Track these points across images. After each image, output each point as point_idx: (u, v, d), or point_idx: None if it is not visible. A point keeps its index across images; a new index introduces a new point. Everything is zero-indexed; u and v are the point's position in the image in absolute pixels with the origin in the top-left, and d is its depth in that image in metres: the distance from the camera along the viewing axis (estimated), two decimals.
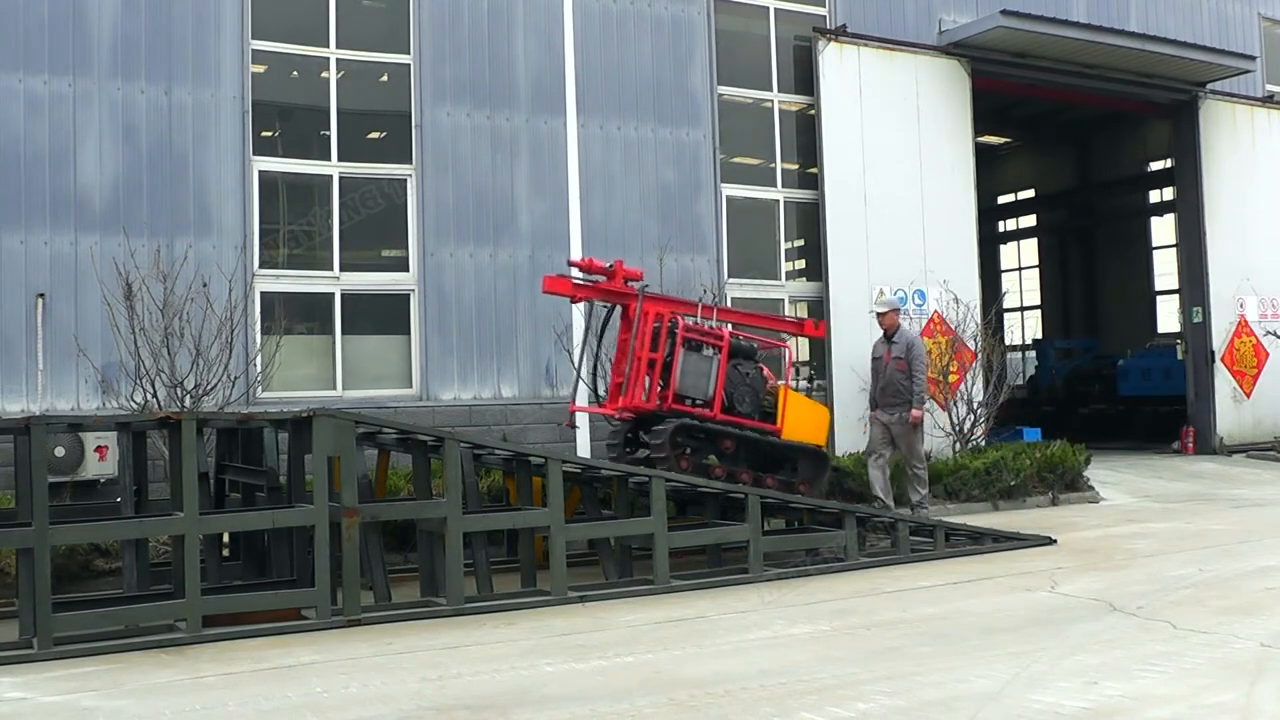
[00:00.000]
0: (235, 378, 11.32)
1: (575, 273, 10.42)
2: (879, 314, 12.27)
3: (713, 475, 9.76)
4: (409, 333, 13.15)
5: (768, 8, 15.77)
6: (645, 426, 10.17)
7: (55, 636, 6.97)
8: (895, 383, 12.00)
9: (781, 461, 10.51)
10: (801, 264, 16.27)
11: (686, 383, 9.96)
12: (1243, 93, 20.22)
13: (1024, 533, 10.87)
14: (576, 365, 10.48)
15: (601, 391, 10.57)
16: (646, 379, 9.97)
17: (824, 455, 10.74)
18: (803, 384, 11.86)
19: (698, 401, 10.05)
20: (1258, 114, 20.46)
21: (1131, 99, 20.19)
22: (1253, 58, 19.41)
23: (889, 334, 12.14)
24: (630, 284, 10.17)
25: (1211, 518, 12.62)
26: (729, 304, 14.81)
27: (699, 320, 10.29)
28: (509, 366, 13.40)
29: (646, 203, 14.46)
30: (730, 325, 10.59)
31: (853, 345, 15.39)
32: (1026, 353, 30.76)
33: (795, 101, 15.91)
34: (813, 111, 15.71)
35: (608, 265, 10.12)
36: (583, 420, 12.22)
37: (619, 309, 10.34)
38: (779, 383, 10.66)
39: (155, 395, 10.67)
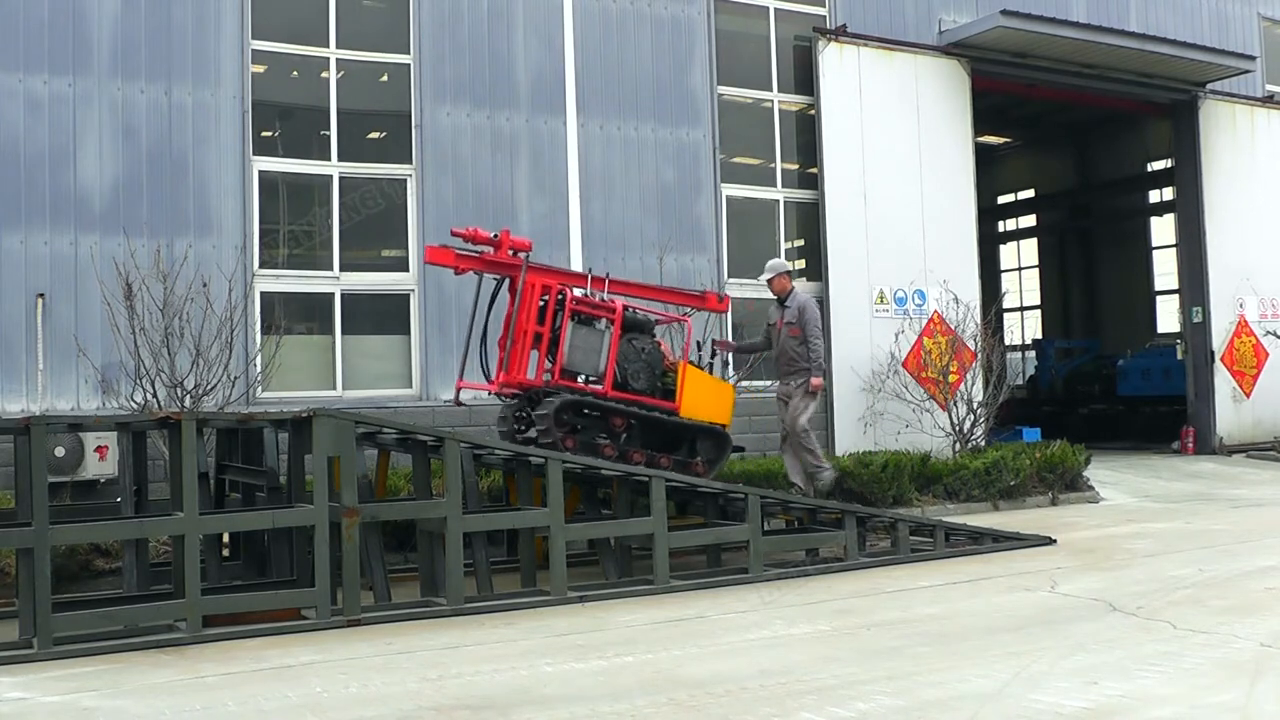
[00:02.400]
0: (235, 378, 11.32)
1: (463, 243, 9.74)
2: (767, 280, 11.49)
3: (602, 455, 9.27)
4: (409, 333, 13.15)
5: (768, 8, 15.77)
6: (536, 405, 9.54)
7: (55, 636, 6.96)
8: (789, 350, 11.30)
9: (680, 441, 9.99)
10: (801, 264, 16.26)
11: (575, 358, 9.45)
12: (1242, 93, 20.23)
13: (1024, 533, 10.87)
14: (465, 340, 9.76)
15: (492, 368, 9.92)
16: (534, 355, 9.47)
17: (725, 435, 10.12)
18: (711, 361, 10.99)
19: (591, 379, 9.56)
20: (1257, 114, 20.47)
21: (1131, 99, 20.20)
22: (1252, 58, 19.42)
23: (781, 299, 11.47)
24: (519, 255, 9.55)
25: (1211, 518, 12.62)
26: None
27: (589, 292, 9.70)
28: None
29: (646, 202, 14.47)
30: (624, 298, 9.99)
31: (852, 345, 15.41)
32: (1026, 353, 30.76)
33: (795, 101, 15.91)
34: (813, 111, 15.72)
35: (493, 235, 9.49)
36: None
37: (509, 282, 9.65)
38: (678, 358, 10.01)
39: (155, 395, 10.67)
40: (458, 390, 10.13)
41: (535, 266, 9.56)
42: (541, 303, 9.41)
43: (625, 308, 9.79)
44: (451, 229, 9.84)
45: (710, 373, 10.43)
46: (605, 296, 9.80)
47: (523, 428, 9.74)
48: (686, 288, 11.09)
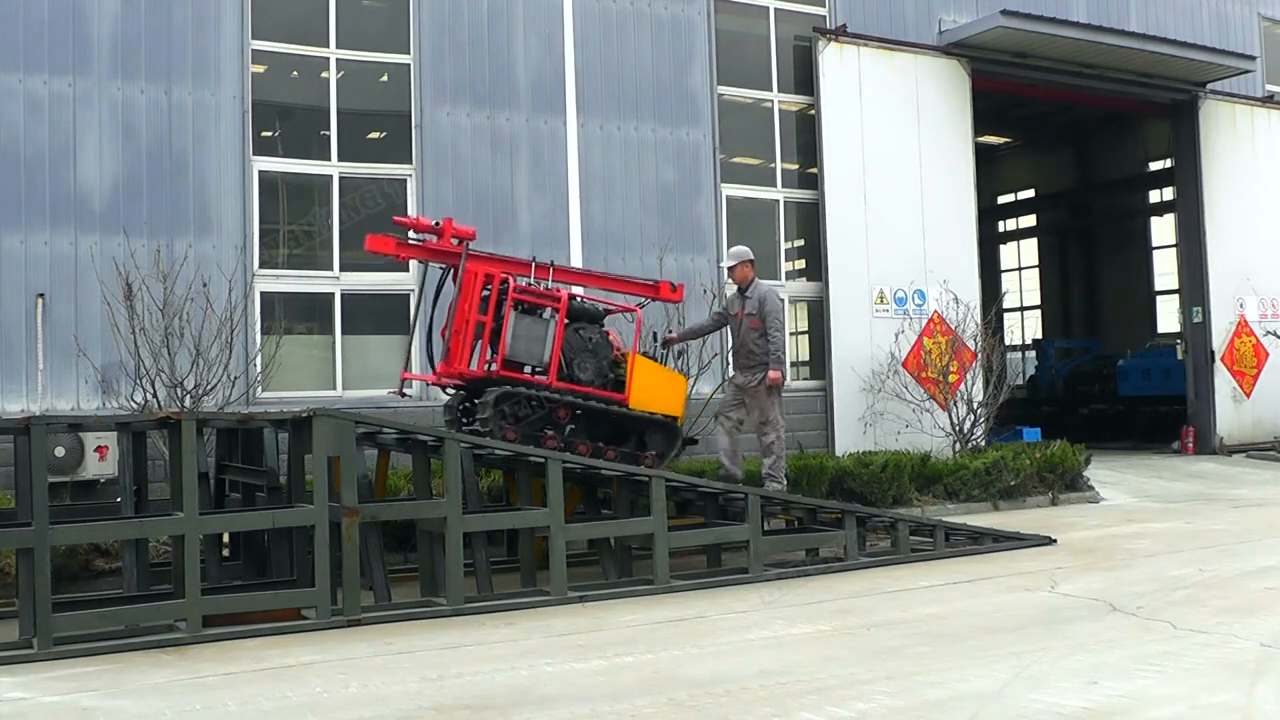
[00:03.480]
0: (235, 378, 11.32)
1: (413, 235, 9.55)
2: (729, 268, 11.00)
3: (545, 447, 9.01)
4: (409, 333, 13.13)
5: (767, 8, 15.77)
6: (479, 395, 9.33)
7: (55, 636, 6.97)
8: (748, 343, 10.68)
9: (630, 433, 9.76)
10: (801, 264, 16.27)
11: (518, 347, 9.17)
12: (1242, 93, 20.24)
13: (1024, 533, 10.87)
14: (410, 331, 9.49)
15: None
16: (476, 344, 9.22)
17: (675, 427, 9.89)
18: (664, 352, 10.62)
19: (538, 370, 9.33)
20: (1257, 114, 20.47)
21: (1131, 99, 20.20)
22: (1252, 58, 19.42)
23: (742, 288, 10.90)
24: (464, 244, 9.29)
25: (1211, 518, 12.62)
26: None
27: (533, 280, 9.48)
28: None
29: (646, 203, 14.47)
30: (572, 287, 9.74)
31: (852, 345, 15.41)
32: (1026, 353, 30.77)
33: (795, 101, 15.91)
34: (813, 111, 15.72)
35: (435, 223, 9.25)
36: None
37: (454, 271, 9.38)
38: (626, 349, 9.71)
39: (155, 395, 10.67)
40: (402, 382, 9.89)
41: (477, 255, 9.32)
42: (486, 292, 9.18)
43: (572, 297, 9.57)
44: (394, 217, 9.69)
45: (663, 365, 10.18)
46: (550, 285, 9.53)
47: (467, 420, 9.49)
48: (640, 277, 10.68)
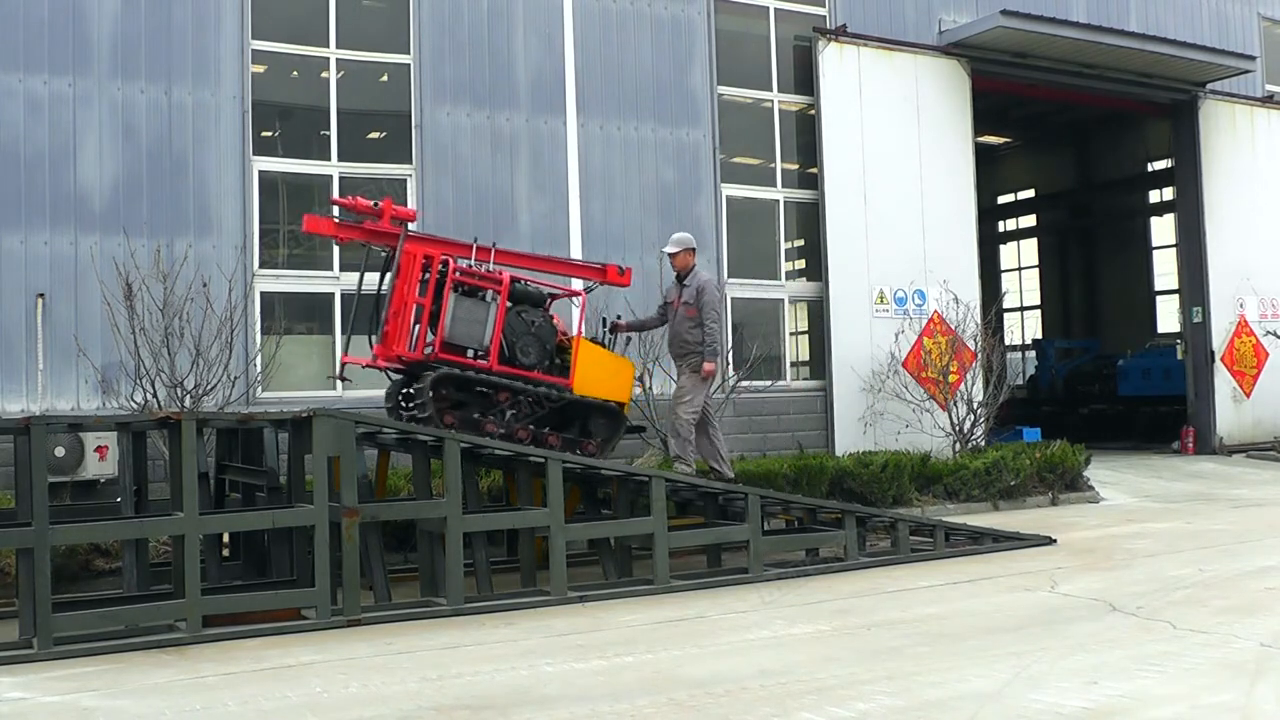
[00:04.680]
0: (235, 378, 11.32)
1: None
2: (670, 254, 10.70)
3: (484, 432, 8.89)
4: (351, 317, 13.01)
5: (767, 8, 15.77)
6: (420, 380, 9.09)
7: (55, 636, 6.96)
8: (682, 332, 10.47)
9: (574, 419, 9.55)
10: (801, 264, 16.27)
11: (457, 330, 8.93)
12: (1242, 93, 20.24)
13: (1024, 533, 10.87)
14: (351, 315, 9.20)
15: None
16: (415, 327, 8.98)
17: (619, 413, 9.65)
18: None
19: (479, 354, 9.09)
20: (1257, 114, 20.48)
21: (1131, 99, 20.21)
22: (1252, 58, 19.42)
23: (681, 276, 10.65)
24: (403, 225, 9.07)
25: (1211, 518, 12.62)
26: (728, 304, 14.82)
27: (474, 263, 9.20)
28: None
29: (646, 202, 14.47)
30: (515, 269, 9.50)
31: (852, 345, 15.41)
32: (1026, 353, 30.77)
33: (795, 101, 15.91)
34: (812, 111, 15.72)
35: (374, 203, 9.00)
36: None
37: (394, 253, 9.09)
38: (572, 334, 9.50)
39: (155, 395, 10.67)
40: (341, 366, 9.63)
41: (416, 236, 9.15)
42: (427, 275, 8.96)
43: (515, 279, 9.32)
44: (331, 197, 9.53)
45: (612, 350, 9.99)
46: (491, 267, 9.30)
47: (407, 405, 9.23)
48: (587, 261, 10.43)
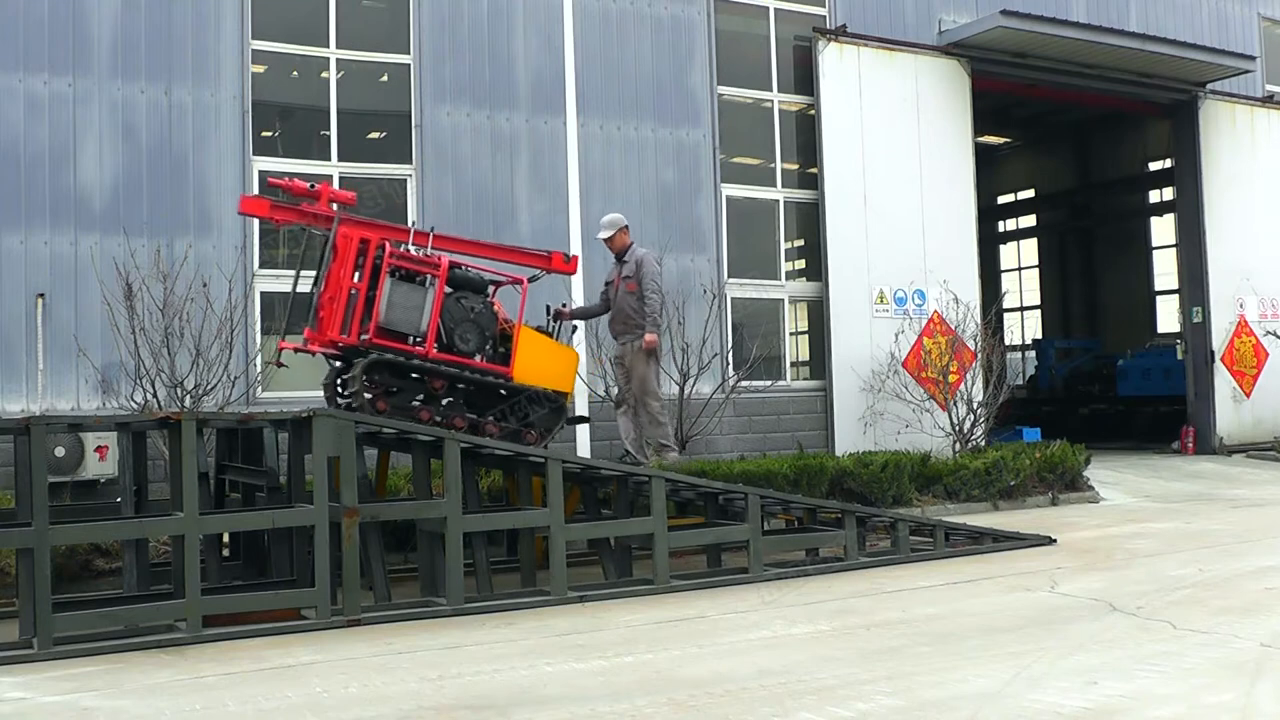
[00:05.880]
0: (235, 378, 11.33)
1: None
2: (606, 238, 10.76)
3: (418, 419, 8.76)
4: (289, 302, 12.99)
5: (767, 8, 15.77)
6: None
7: (55, 636, 6.96)
8: (625, 308, 10.55)
9: (514, 408, 9.35)
10: (801, 264, 16.28)
11: (392, 315, 8.73)
12: (1242, 93, 20.24)
13: (1024, 532, 10.87)
14: (289, 301, 9.07)
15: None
16: (350, 313, 8.76)
17: (560, 402, 9.47)
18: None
19: (417, 340, 8.91)
20: (1257, 114, 20.47)
21: (1131, 99, 20.21)
22: (1252, 58, 19.43)
23: (619, 255, 10.77)
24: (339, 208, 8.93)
25: (1211, 517, 12.62)
26: (729, 303, 14.84)
27: (410, 246, 9.01)
28: None
29: (646, 203, 14.47)
30: (454, 255, 9.33)
31: (852, 345, 15.42)
32: (1026, 353, 30.79)
33: (795, 101, 15.91)
34: (812, 111, 15.73)
35: (311, 185, 8.88)
36: None
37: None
38: (510, 320, 9.34)
39: (155, 395, 10.67)
40: (278, 351, 9.42)
41: (352, 219, 8.95)
42: (364, 259, 8.77)
43: (454, 265, 9.14)
44: (268, 179, 9.43)
45: (556, 339, 9.85)
46: (429, 252, 9.09)
47: (343, 391, 9.12)
48: (532, 248, 10.28)
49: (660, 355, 11.04)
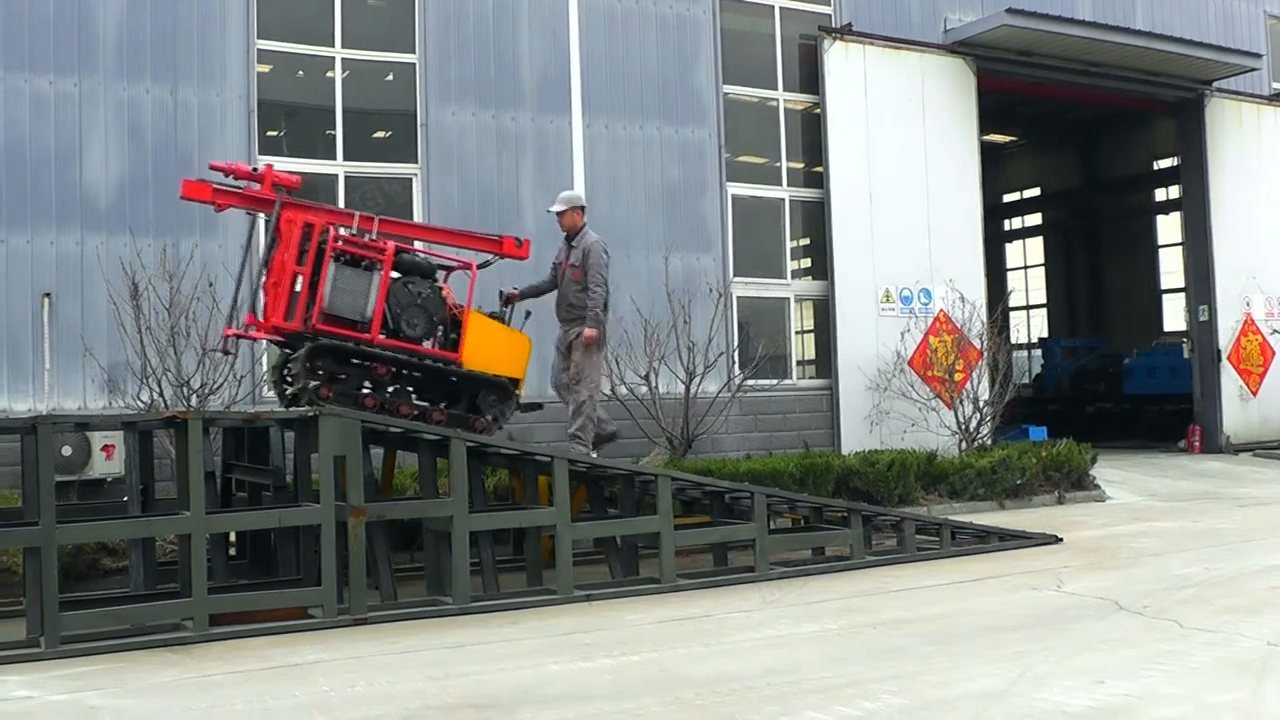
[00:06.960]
0: (241, 377, 11.33)
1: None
2: (557, 213, 10.48)
3: (363, 406, 8.54)
4: (235, 289, 12.93)
5: (773, 6, 15.76)
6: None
7: (62, 635, 6.98)
8: (569, 295, 10.28)
9: (462, 394, 9.18)
10: (807, 263, 16.27)
11: (337, 300, 8.50)
12: (1249, 90, 20.19)
13: (1030, 531, 10.86)
14: (236, 287, 8.98)
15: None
16: (294, 298, 8.56)
17: (510, 389, 9.26)
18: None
19: (363, 326, 8.66)
20: (1264, 112, 20.43)
21: (1137, 97, 20.17)
22: (1259, 55, 19.38)
23: (569, 237, 10.46)
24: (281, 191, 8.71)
25: (1218, 516, 12.60)
26: (734, 302, 14.83)
27: (356, 231, 8.78)
28: None
29: (652, 201, 14.47)
30: (401, 239, 9.14)
31: (858, 344, 15.40)
32: (1032, 351, 30.74)
33: (801, 100, 15.90)
34: (818, 110, 15.71)
35: (254, 169, 8.70)
36: None
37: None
38: (461, 305, 9.11)
39: (161, 394, 10.69)
40: (224, 339, 9.25)
41: (296, 203, 8.70)
42: (308, 244, 8.59)
43: (400, 249, 8.93)
44: (211, 163, 9.36)
45: (507, 324, 9.67)
46: (373, 236, 8.87)
47: (289, 377, 8.94)
48: (482, 232, 10.05)
49: (604, 346, 10.71)
